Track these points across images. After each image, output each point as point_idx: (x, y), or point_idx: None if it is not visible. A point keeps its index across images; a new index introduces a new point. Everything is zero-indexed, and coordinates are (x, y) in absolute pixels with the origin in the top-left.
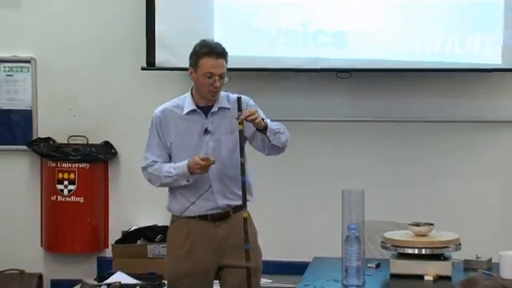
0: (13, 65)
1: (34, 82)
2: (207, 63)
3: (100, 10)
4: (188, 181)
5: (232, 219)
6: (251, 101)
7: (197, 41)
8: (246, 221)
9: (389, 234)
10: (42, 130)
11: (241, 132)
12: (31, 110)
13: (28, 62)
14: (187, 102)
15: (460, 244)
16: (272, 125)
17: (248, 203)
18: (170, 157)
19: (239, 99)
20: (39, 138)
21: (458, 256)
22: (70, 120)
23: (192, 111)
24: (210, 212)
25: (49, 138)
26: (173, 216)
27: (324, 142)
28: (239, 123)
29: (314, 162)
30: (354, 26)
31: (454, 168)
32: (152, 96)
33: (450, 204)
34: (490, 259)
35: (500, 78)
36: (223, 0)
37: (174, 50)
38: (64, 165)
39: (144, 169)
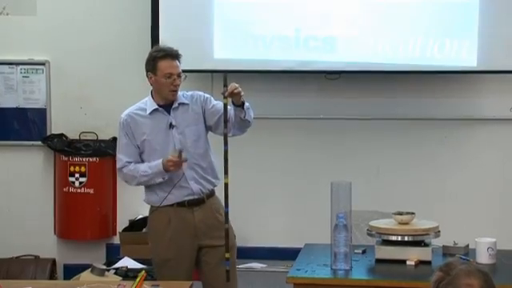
0: (29, 67)
1: (48, 83)
2: (165, 65)
3: (109, 18)
4: (163, 178)
5: (206, 204)
6: (203, 95)
7: (198, 46)
8: (227, 186)
9: (374, 223)
10: (55, 126)
11: (225, 106)
12: (45, 109)
13: (43, 64)
14: (149, 104)
15: (439, 231)
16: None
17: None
18: (140, 156)
19: (225, 76)
20: (53, 135)
21: (437, 242)
22: (81, 118)
23: (154, 110)
24: (186, 198)
25: (62, 135)
26: (152, 207)
27: (314, 138)
28: (224, 97)
29: (306, 156)
30: (341, 31)
31: (433, 161)
32: None
33: (430, 194)
34: (467, 245)
35: (475, 79)
36: (222, 9)
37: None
38: (75, 159)
39: (119, 170)
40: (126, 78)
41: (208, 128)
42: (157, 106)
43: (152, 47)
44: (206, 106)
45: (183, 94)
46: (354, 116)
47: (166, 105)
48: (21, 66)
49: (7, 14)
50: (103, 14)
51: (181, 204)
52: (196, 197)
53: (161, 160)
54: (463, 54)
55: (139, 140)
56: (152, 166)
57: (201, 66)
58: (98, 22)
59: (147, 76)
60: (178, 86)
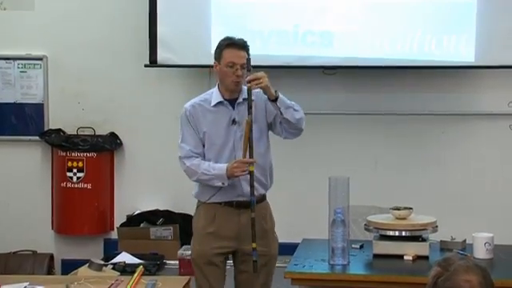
0: (26, 62)
1: (45, 78)
2: (229, 54)
3: (107, 13)
4: (223, 184)
5: (256, 209)
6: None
7: (195, 40)
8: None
9: (372, 218)
10: (52, 122)
11: (248, 90)
12: (43, 104)
13: (40, 59)
14: (214, 96)
15: (437, 226)
16: (285, 99)
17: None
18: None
19: (248, 59)
20: (50, 130)
21: (434, 237)
22: (78, 113)
23: (219, 103)
24: (235, 199)
25: (59, 130)
26: (199, 201)
27: (312, 133)
28: (247, 82)
29: (304, 151)
30: (339, 27)
31: (431, 157)
32: (154, 91)
33: (427, 189)
34: (465, 240)
35: (473, 74)
36: (220, 4)
37: (175, 49)
38: (73, 154)
39: (180, 158)
40: (124, 74)
41: (268, 126)
42: (222, 99)
43: (149, 42)
44: (267, 103)
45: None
46: (352, 111)
47: (232, 99)
48: (18, 61)
49: (5, 9)
50: (101, 9)
51: (228, 204)
52: (246, 199)
53: (226, 165)
54: (461, 49)
55: (201, 131)
56: (215, 167)
57: (198, 61)
58: (96, 17)
59: (214, 64)
60: (241, 77)
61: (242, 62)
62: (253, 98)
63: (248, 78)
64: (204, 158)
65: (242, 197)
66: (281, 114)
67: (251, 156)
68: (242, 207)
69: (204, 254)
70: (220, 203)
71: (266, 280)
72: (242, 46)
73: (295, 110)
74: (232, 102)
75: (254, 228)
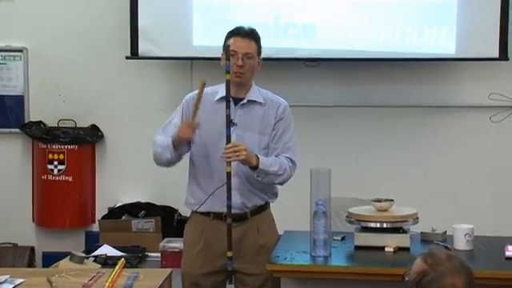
0: (6, 53)
1: (25, 70)
2: (231, 42)
3: (88, 5)
4: (171, 154)
5: (249, 222)
6: (285, 110)
7: (177, 32)
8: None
9: (353, 210)
10: (33, 114)
11: (227, 82)
12: (23, 96)
13: (20, 51)
14: (221, 89)
15: (417, 218)
16: (268, 166)
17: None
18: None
19: (227, 48)
20: (31, 122)
21: (415, 229)
22: (59, 105)
23: (222, 98)
24: (225, 210)
25: (40, 122)
26: (191, 212)
27: (294, 125)
28: (227, 72)
29: None
30: (321, 19)
31: (412, 149)
32: (135, 83)
33: (408, 181)
34: (445, 232)
35: (454, 66)
36: None
37: (156, 41)
38: (54, 146)
39: (153, 142)
40: (105, 66)
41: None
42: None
43: (131, 34)
44: (278, 121)
45: (260, 91)
46: (334, 103)
47: (238, 98)
48: None
49: None
50: (82, 1)
51: (217, 216)
52: (237, 211)
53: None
54: (442, 42)
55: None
56: (167, 138)
57: (180, 53)
58: (77, 9)
59: (221, 57)
60: (241, 67)
61: (245, 52)
62: (261, 100)
63: (225, 148)
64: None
65: (233, 208)
66: (258, 176)
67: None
68: (234, 220)
69: (191, 274)
70: (208, 215)
71: None
72: (247, 33)
73: (278, 175)
74: (235, 100)
75: (230, 234)
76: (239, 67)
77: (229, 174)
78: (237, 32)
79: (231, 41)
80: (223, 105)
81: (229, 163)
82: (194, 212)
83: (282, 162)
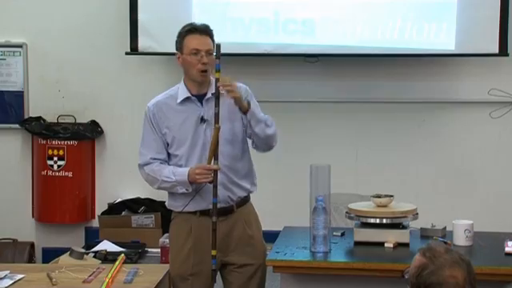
0: (6, 49)
1: (25, 66)
2: (192, 40)
3: (87, 0)
4: (187, 190)
5: (235, 214)
6: (246, 91)
7: (176, 28)
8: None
9: (353, 205)
10: (33, 109)
11: (216, 80)
12: (23, 92)
13: (20, 46)
14: (180, 91)
15: (417, 214)
16: (258, 112)
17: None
18: (168, 152)
19: (218, 46)
20: (30, 118)
21: (415, 225)
22: (59, 101)
23: (186, 99)
24: (211, 206)
25: (39, 118)
26: (173, 213)
27: (293, 121)
28: (217, 71)
29: (285, 139)
30: (320, 15)
31: (412, 144)
32: (135, 79)
33: (408, 177)
34: (445, 227)
35: (453, 62)
36: None
37: (156, 37)
38: (54, 142)
39: (140, 166)
40: (105, 61)
41: (245, 127)
42: (189, 95)
43: (130, 30)
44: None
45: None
46: (333, 99)
47: (201, 94)
48: None
49: None
50: None
51: (204, 212)
52: (223, 205)
53: (188, 169)
54: (441, 37)
55: (166, 133)
56: (177, 172)
57: None
58: (76, 4)
59: (177, 56)
60: (207, 64)
61: (207, 48)
62: (223, 92)
63: (219, 83)
64: (169, 161)
65: (219, 203)
66: (250, 126)
67: (216, 159)
68: (220, 215)
69: (182, 273)
70: (195, 213)
71: None
72: (203, 31)
73: (267, 125)
74: (200, 98)
75: (214, 233)
76: (205, 64)
77: (215, 172)
78: (193, 29)
79: (190, 39)
80: (188, 105)
81: (216, 161)
82: (178, 213)
83: (268, 117)
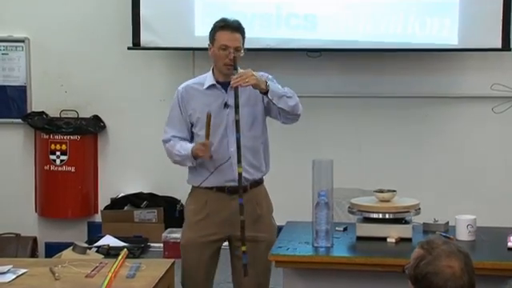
0: (8, 44)
1: (27, 61)
2: (222, 36)
3: None
4: (193, 164)
5: (249, 194)
6: (267, 75)
7: (179, 23)
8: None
9: (355, 200)
10: (35, 104)
11: (236, 90)
12: (25, 86)
13: (22, 41)
14: (208, 78)
15: (420, 209)
16: (277, 88)
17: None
18: (192, 132)
19: (234, 58)
20: (33, 112)
21: (417, 220)
22: (61, 95)
23: (212, 86)
24: (227, 184)
25: (42, 112)
26: (192, 187)
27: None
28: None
29: (287, 133)
30: (323, 9)
31: (415, 139)
32: (137, 73)
33: (411, 172)
34: (447, 222)
35: (456, 56)
36: None
37: (158, 31)
38: (56, 137)
39: (163, 142)
40: (107, 56)
41: (265, 110)
42: (214, 82)
43: (133, 24)
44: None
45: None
46: (336, 94)
47: (226, 82)
48: (0, 43)
49: None
50: None
51: (220, 189)
52: (238, 184)
53: (192, 144)
54: (444, 32)
55: (191, 114)
56: (184, 147)
57: (182, 44)
58: (79, 0)
59: (208, 47)
60: (233, 60)
61: (236, 45)
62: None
63: (231, 83)
64: (193, 141)
65: (234, 182)
66: (274, 104)
67: (239, 162)
68: (235, 193)
69: (194, 241)
70: (211, 188)
71: (264, 267)
72: (235, 28)
73: (288, 97)
74: (225, 86)
75: (243, 231)
76: (231, 61)
77: (240, 175)
78: (226, 26)
79: (221, 34)
80: (214, 91)
81: (240, 165)
82: (196, 187)
83: (287, 89)
